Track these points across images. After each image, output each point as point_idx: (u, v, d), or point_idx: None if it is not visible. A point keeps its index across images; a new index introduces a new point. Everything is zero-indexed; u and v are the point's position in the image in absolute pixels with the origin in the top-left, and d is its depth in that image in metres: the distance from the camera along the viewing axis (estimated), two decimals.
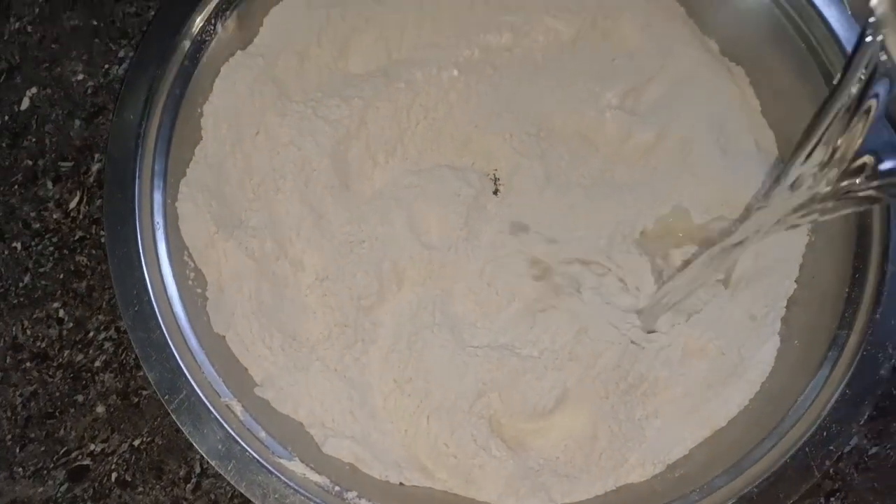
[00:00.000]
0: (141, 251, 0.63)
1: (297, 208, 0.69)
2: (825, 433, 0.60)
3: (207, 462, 0.58)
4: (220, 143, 0.69)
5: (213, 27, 0.70)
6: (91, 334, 0.70)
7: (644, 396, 0.65)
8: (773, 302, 0.68)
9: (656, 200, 0.71)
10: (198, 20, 0.69)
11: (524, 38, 0.75)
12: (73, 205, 0.73)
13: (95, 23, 0.78)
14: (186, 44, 0.69)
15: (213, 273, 0.66)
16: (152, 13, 0.78)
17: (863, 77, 0.42)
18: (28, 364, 0.69)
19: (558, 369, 0.65)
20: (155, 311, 0.61)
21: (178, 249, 0.65)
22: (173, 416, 0.59)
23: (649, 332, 0.66)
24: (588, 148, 0.74)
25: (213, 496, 0.66)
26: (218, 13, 0.70)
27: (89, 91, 0.76)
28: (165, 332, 0.60)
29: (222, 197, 0.68)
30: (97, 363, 0.69)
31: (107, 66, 0.76)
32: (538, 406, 0.64)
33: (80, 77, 0.76)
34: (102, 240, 0.71)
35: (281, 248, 0.68)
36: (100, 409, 0.68)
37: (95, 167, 0.73)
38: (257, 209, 0.69)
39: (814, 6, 0.69)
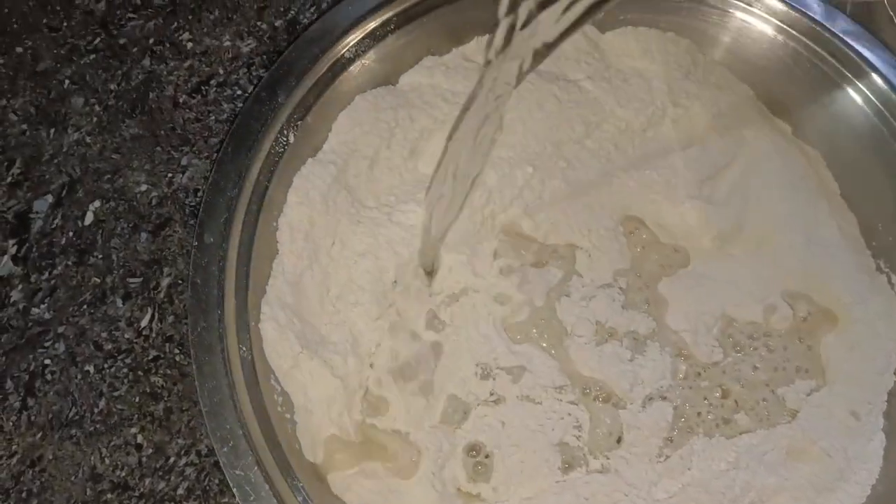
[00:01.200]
0: (231, 383, 0.60)
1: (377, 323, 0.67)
2: None
3: None
4: (296, 257, 0.67)
5: (285, 138, 0.69)
6: (172, 460, 0.67)
7: None
8: (873, 397, 0.66)
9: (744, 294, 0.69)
10: (271, 133, 0.68)
11: (595, 129, 0.74)
12: (144, 323, 0.70)
13: (155, 131, 0.76)
14: (261, 158, 0.67)
15: (300, 396, 0.64)
16: (212, 118, 0.76)
17: None
18: (109, 495, 0.66)
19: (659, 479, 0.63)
20: (251, 446, 0.59)
21: (264, 374, 0.63)
22: None
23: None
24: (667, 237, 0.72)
25: None
26: (290, 122, 0.69)
27: (154, 202, 0.74)
28: (265, 468, 0.58)
29: (302, 314, 0.66)
30: (180, 490, 0.66)
31: (170, 175, 0.75)
32: None
33: (144, 188, 0.74)
34: (177, 358, 0.69)
35: (362, 363, 0.66)
36: None
37: (165, 282, 0.71)
38: (337, 324, 0.67)
39: (882, 75, 0.68)
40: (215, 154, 0.72)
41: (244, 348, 0.63)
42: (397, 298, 0.69)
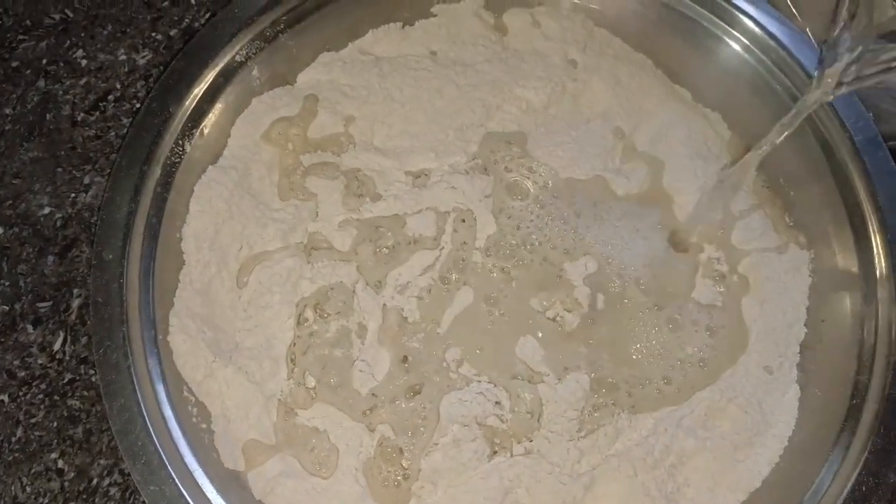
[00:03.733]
0: (140, 399, 0.60)
1: (288, 323, 0.66)
2: (863, 487, 0.59)
3: None
4: (203, 265, 0.67)
5: (180, 148, 0.68)
6: (95, 482, 0.66)
7: (673, 468, 0.64)
8: (785, 350, 0.67)
9: None
10: (165, 144, 0.67)
11: (497, 111, 0.74)
12: (57, 346, 0.69)
13: (55, 152, 0.75)
14: (157, 170, 0.67)
15: (217, 405, 0.63)
16: (112, 133, 0.75)
17: None
18: None
19: (581, 456, 0.63)
20: (164, 461, 0.58)
21: (176, 387, 0.63)
22: None
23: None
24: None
25: None
26: (184, 132, 0.68)
27: (58, 224, 0.73)
28: (178, 482, 0.58)
29: (213, 322, 0.66)
30: None
31: (73, 195, 0.74)
32: (567, 497, 0.62)
33: (47, 210, 0.73)
34: (93, 379, 0.68)
35: (278, 365, 0.65)
36: None
37: (76, 303, 0.70)
38: (251, 329, 0.66)
39: (775, 38, 0.69)
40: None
41: (153, 362, 0.62)
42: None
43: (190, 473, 0.59)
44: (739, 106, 0.74)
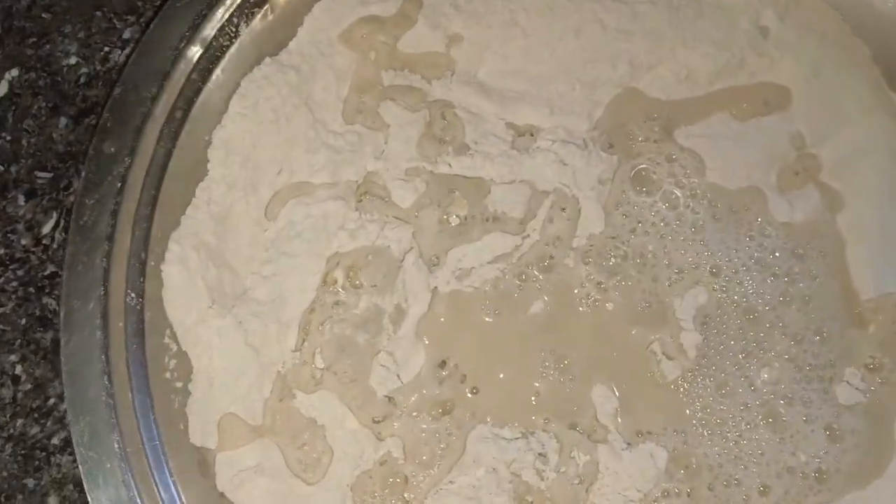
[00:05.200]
0: (104, 336, 0.48)
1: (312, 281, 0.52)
2: None
3: None
4: (228, 184, 0.53)
5: (233, 28, 0.53)
6: (51, 402, 0.56)
7: None
8: None
9: None
10: (214, 18, 0.52)
11: (645, 73, 0.56)
12: (46, 229, 0.58)
13: None
14: (195, 50, 0.52)
15: (202, 360, 0.51)
16: None
17: None
18: None
19: None
20: (113, 422, 0.47)
21: (156, 329, 0.50)
22: None
23: None
24: None
25: None
26: (243, 9, 0.53)
27: (82, 80, 0.60)
28: (122, 453, 0.46)
29: (224, 257, 0.53)
30: (55, 440, 0.55)
31: (106, 48, 0.60)
32: None
33: (73, 61, 0.60)
34: None
35: (286, 331, 0.52)
36: (52, 500, 0.55)
37: (79, 183, 0.58)
38: (267, 276, 0.53)
39: None
40: None
41: (133, 294, 0.50)
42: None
43: (142, 443, 0.47)
44: None
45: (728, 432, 0.50)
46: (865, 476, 0.50)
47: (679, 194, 0.54)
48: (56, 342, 0.56)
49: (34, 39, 0.61)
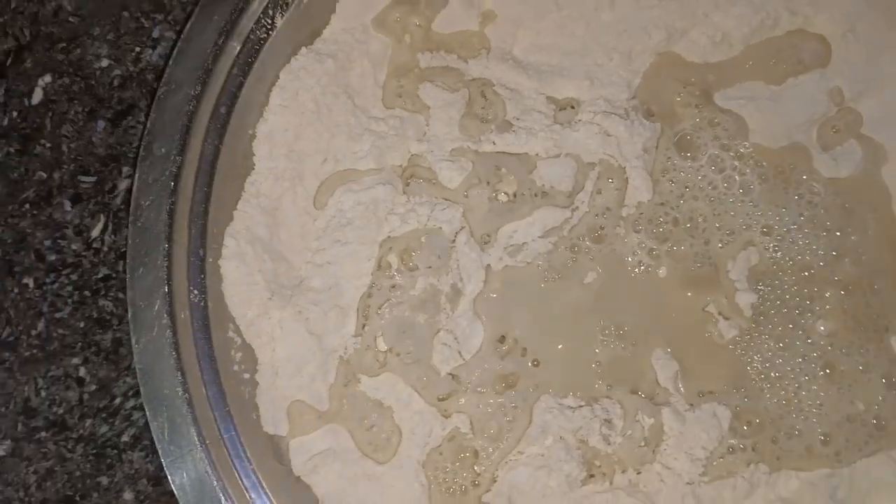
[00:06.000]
0: (173, 334, 0.49)
1: (367, 266, 0.53)
2: None
3: None
4: (275, 177, 0.54)
5: (269, 20, 0.53)
6: (118, 401, 0.57)
7: None
8: None
9: None
10: (251, 11, 0.52)
11: (681, 37, 0.56)
12: (95, 233, 0.58)
13: None
14: (235, 45, 0.52)
15: (266, 352, 0.52)
16: None
17: None
18: (43, 434, 0.57)
19: None
20: (191, 417, 0.48)
21: (220, 324, 0.51)
22: None
23: None
24: None
25: None
26: (277, 2, 0.53)
27: (116, 82, 0.60)
28: (203, 445, 0.47)
29: (278, 249, 0.53)
30: (125, 438, 0.56)
31: (138, 49, 0.60)
32: None
33: (105, 63, 0.60)
34: None
35: (345, 317, 0.53)
36: (128, 495, 0.56)
37: (123, 185, 0.59)
38: (320, 265, 0.53)
39: None
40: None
41: (196, 291, 0.51)
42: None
43: (219, 434, 0.49)
44: None
45: (787, 385, 0.51)
46: None
47: (724, 157, 0.54)
48: (116, 342, 0.57)
49: (63, 44, 0.61)
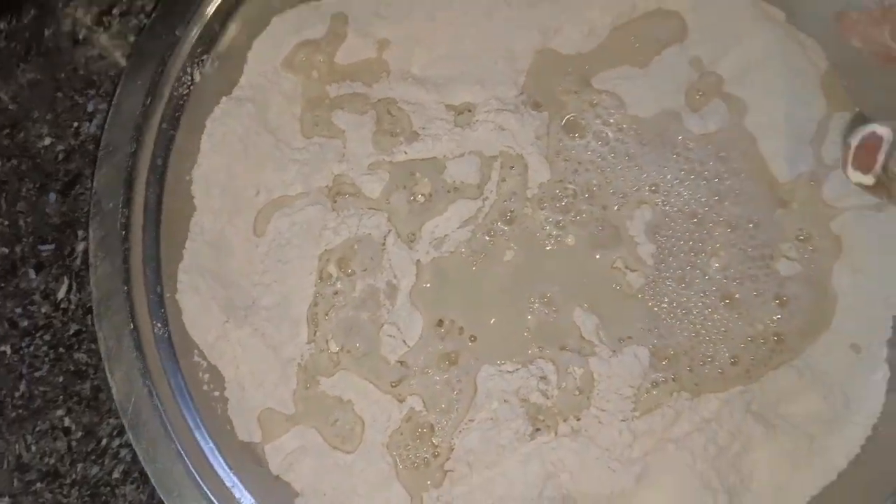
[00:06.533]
0: (145, 366, 0.54)
1: (310, 279, 0.59)
2: None
3: None
4: (215, 213, 0.60)
5: (189, 77, 0.59)
6: (104, 442, 0.62)
7: (737, 458, 0.56)
8: (877, 325, 0.58)
9: None
10: (170, 73, 0.58)
11: (554, 35, 0.63)
12: (61, 294, 0.63)
13: (55, 74, 0.67)
14: (162, 104, 0.59)
15: (230, 369, 0.57)
16: (118, 53, 0.67)
17: None
18: (38, 485, 0.61)
19: (634, 439, 0.56)
20: (171, 436, 0.53)
21: (185, 350, 0.57)
22: None
23: None
24: None
25: None
26: (193, 59, 0.60)
27: (60, 157, 0.66)
28: (186, 458, 0.52)
29: (227, 277, 0.59)
30: (115, 474, 0.61)
31: (76, 124, 0.66)
32: (616, 485, 0.55)
33: (48, 141, 0.66)
34: None
35: (297, 326, 0.59)
36: None
37: (80, 246, 0.64)
38: (268, 284, 0.59)
39: None
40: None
41: (159, 325, 0.56)
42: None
43: (199, 448, 0.54)
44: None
45: (694, 319, 0.58)
46: (815, 331, 0.58)
47: (607, 131, 0.61)
48: (95, 389, 0.62)
49: (7, 130, 0.66)
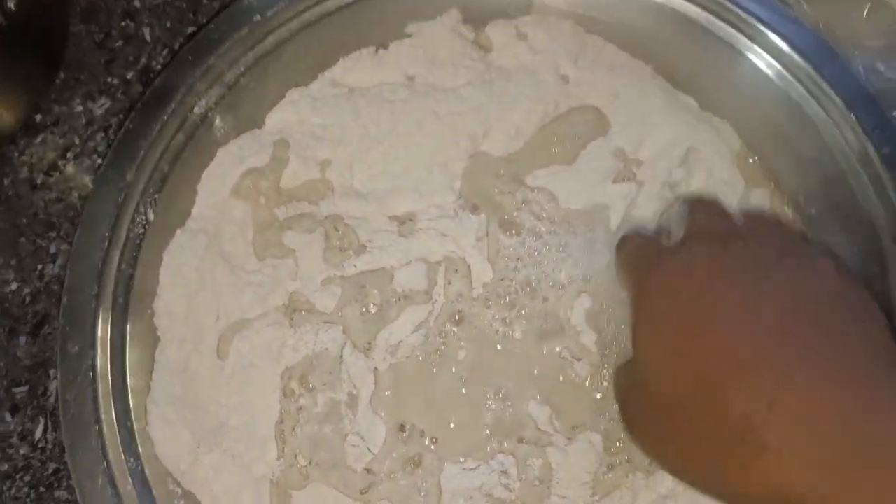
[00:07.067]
0: (116, 500, 0.57)
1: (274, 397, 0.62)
2: None
3: None
4: (179, 343, 0.62)
5: (143, 217, 0.63)
6: None
7: None
8: None
9: None
10: (125, 216, 0.62)
11: (484, 140, 0.68)
12: (38, 434, 0.66)
13: (16, 220, 0.70)
14: (119, 245, 0.62)
15: (206, 494, 0.60)
16: (75, 194, 0.70)
17: None
18: None
19: None
20: None
21: (160, 481, 0.59)
22: None
23: None
24: None
25: None
26: (146, 199, 0.63)
27: (27, 300, 0.68)
28: None
29: (195, 402, 0.61)
30: None
31: (40, 266, 0.69)
32: None
33: (14, 286, 0.69)
34: None
35: (265, 444, 0.61)
36: None
37: (53, 385, 0.66)
38: (235, 406, 0.62)
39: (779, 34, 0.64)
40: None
41: (132, 459, 0.58)
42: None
43: None
44: (748, 111, 0.67)
45: None
46: None
47: (540, 227, 0.65)
48: None
49: None
